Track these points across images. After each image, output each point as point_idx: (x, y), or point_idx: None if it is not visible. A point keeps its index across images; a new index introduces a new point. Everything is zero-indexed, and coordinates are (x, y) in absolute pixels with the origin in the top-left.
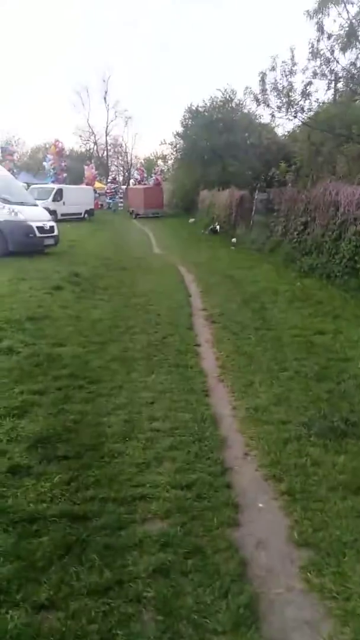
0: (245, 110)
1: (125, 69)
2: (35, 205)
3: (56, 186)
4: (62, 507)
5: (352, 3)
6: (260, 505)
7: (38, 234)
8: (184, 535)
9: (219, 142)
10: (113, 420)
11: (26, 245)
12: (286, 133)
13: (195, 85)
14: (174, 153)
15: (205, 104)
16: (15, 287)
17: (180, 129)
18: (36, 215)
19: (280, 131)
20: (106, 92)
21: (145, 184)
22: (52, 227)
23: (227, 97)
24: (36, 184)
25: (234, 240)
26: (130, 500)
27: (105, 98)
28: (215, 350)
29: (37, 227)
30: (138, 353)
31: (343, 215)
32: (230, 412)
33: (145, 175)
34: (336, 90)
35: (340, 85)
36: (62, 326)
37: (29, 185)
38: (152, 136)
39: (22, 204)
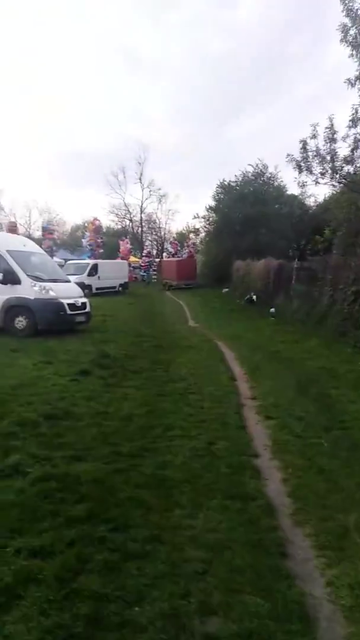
0: (276, 184)
1: (162, 149)
2: (68, 281)
3: (91, 261)
4: None
5: None
6: None
7: (69, 312)
8: None
9: (251, 214)
10: (144, 619)
11: (57, 323)
12: (317, 203)
13: (227, 165)
14: (207, 226)
15: (237, 178)
16: (39, 372)
17: (212, 203)
18: (68, 292)
19: (311, 201)
20: (141, 174)
21: (178, 257)
22: (84, 304)
23: (259, 171)
24: (73, 260)
25: (272, 310)
26: None
27: (140, 179)
28: (279, 464)
29: (69, 304)
30: (179, 471)
31: None
32: (328, 593)
33: (179, 248)
34: None
35: None
36: (85, 428)
37: (66, 261)
38: (184, 212)
39: (54, 281)
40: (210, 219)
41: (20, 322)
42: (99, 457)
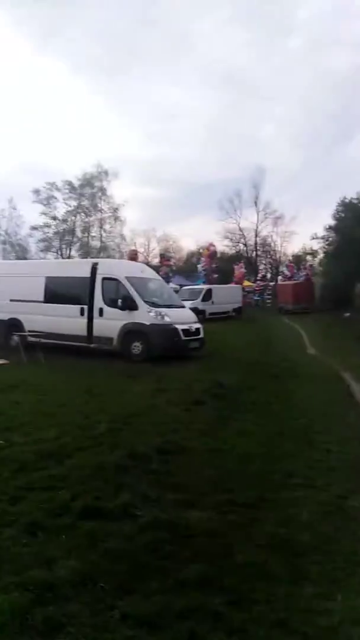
0: None
1: (278, 171)
2: (183, 307)
3: (205, 287)
4: None
5: None
6: None
7: (183, 337)
8: None
9: None
10: None
11: (171, 349)
12: None
13: (348, 183)
14: (326, 247)
15: None
16: (152, 400)
17: (332, 223)
18: (182, 318)
19: None
20: (257, 197)
21: (295, 280)
22: (197, 330)
23: None
24: (188, 285)
25: None
26: None
27: (255, 202)
28: None
29: (183, 330)
30: (306, 532)
31: None
32: None
33: (295, 270)
34: None
35: None
36: (198, 467)
37: (181, 287)
38: (301, 233)
39: (169, 306)
40: (330, 239)
41: (137, 347)
42: (212, 505)
